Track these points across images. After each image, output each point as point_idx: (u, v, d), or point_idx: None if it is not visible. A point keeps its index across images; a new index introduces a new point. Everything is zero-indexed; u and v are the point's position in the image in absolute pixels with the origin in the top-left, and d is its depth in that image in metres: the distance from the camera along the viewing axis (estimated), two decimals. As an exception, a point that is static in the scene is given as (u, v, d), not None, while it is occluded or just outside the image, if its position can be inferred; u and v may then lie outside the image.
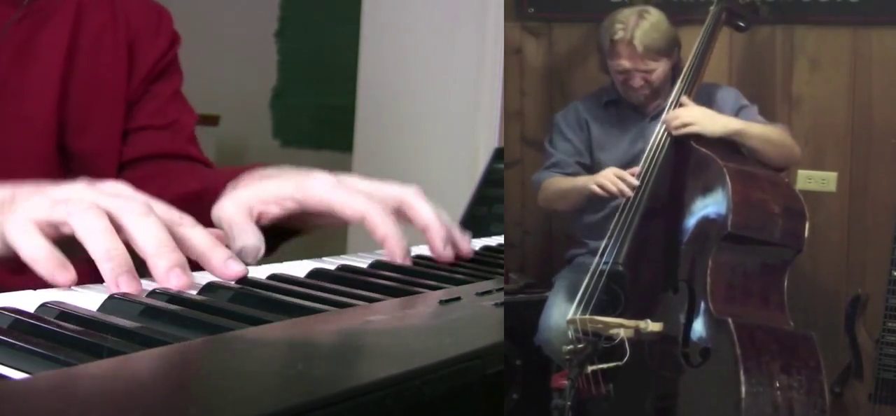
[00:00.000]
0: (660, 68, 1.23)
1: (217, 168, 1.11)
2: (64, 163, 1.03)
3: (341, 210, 0.78)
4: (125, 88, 1.07)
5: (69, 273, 0.59)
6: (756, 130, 1.18)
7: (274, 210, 0.80)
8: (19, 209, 0.63)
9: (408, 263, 0.77)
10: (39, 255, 0.60)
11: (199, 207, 0.87)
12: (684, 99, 1.17)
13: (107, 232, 0.60)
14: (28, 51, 0.99)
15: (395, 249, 0.76)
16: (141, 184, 1.07)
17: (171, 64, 1.14)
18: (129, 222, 0.61)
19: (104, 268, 0.58)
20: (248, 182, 0.83)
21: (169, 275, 0.60)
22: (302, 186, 0.80)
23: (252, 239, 0.74)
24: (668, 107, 1.18)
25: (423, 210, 0.81)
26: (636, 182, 1.14)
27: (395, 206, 0.81)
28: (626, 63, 1.23)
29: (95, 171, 1.03)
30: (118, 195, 0.65)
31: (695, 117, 1.15)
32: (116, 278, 0.58)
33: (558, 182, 1.31)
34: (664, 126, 1.16)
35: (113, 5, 1.08)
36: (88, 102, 1.03)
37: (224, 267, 0.63)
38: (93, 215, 0.60)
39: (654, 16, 1.23)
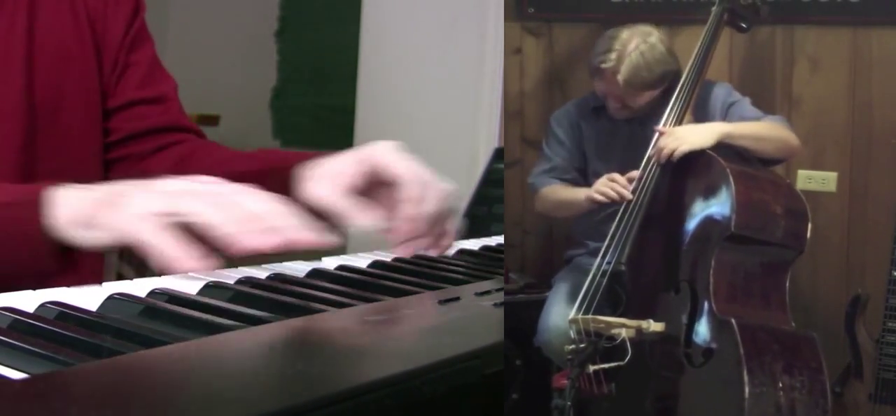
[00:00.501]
0: (643, 98, 1.22)
1: (243, 152, 1.13)
2: (33, 146, 1.02)
3: (399, 171, 0.85)
4: (96, 68, 1.07)
5: (192, 257, 0.66)
6: (746, 129, 1.17)
7: (350, 180, 0.86)
8: (133, 205, 0.69)
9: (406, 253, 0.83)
10: (163, 244, 0.66)
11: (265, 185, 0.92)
12: (662, 128, 1.16)
13: (217, 208, 0.68)
14: None
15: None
16: (150, 160, 1.10)
17: (141, 32, 1.13)
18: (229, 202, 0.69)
19: (224, 232, 0.66)
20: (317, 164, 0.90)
21: (258, 236, 0.66)
22: (372, 150, 0.88)
23: (370, 218, 0.81)
24: (669, 115, 1.17)
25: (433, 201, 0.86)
26: (629, 194, 1.14)
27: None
28: (603, 87, 1.23)
29: (73, 149, 1.05)
30: (214, 183, 0.72)
31: (681, 137, 1.14)
32: (238, 234, 0.65)
33: (558, 192, 1.30)
34: (654, 160, 1.15)
35: None
36: (57, 82, 1.02)
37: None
38: (203, 201, 0.68)
39: (649, 45, 1.21)
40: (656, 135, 1.16)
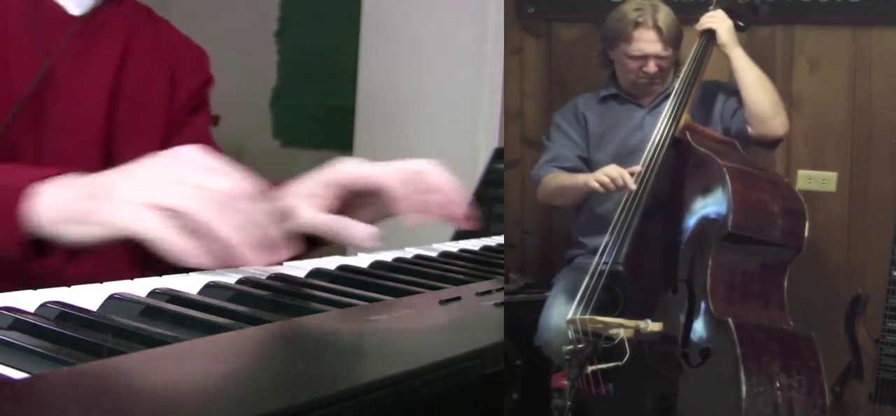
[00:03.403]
0: (670, 56, 1.25)
1: None
2: (111, 164, 1.11)
3: (387, 181, 0.86)
4: (167, 109, 1.17)
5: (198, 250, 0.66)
6: (754, 71, 1.20)
7: (323, 202, 0.88)
8: (122, 196, 0.68)
9: (469, 222, 0.86)
10: (172, 237, 0.65)
11: None
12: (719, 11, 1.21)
13: (214, 209, 0.66)
14: (82, 62, 1.07)
15: (454, 200, 0.86)
16: None
17: (205, 102, 1.25)
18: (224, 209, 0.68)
19: (227, 239, 0.65)
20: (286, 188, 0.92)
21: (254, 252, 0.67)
22: (337, 169, 0.88)
23: (364, 232, 0.81)
24: (668, 114, 1.18)
25: (443, 177, 0.89)
26: (632, 183, 1.14)
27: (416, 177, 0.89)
28: (646, 47, 1.24)
29: None
30: (224, 173, 0.70)
31: (719, 19, 1.20)
32: (245, 250, 0.66)
33: (558, 178, 1.31)
34: (703, 39, 1.19)
35: (158, 34, 1.18)
36: (133, 117, 1.12)
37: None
38: (195, 196, 0.67)
39: (665, 8, 1.25)
40: (668, 114, 1.18)
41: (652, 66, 1.25)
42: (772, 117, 1.20)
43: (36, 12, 1.03)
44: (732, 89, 1.26)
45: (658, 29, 1.23)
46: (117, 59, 1.10)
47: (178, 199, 0.66)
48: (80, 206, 0.70)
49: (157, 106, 1.15)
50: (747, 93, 1.18)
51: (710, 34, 1.21)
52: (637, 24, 1.24)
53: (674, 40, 1.25)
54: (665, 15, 1.24)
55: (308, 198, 0.87)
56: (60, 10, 1.06)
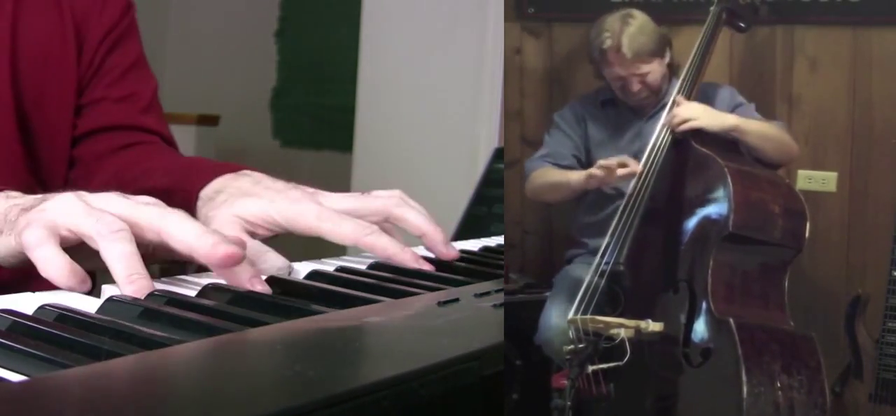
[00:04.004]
0: (654, 69, 1.24)
1: (182, 158, 1.10)
2: (25, 140, 1.04)
3: (332, 239, 0.78)
4: (75, 66, 1.07)
5: (86, 285, 0.60)
6: (754, 126, 1.18)
7: (262, 232, 0.81)
8: (47, 211, 0.63)
9: (424, 266, 0.77)
10: (58, 272, 0.60)
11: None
12: (679, 98, 1.17)
13: (131, 257, 0.60)
14: None
15: (402, 258, 0.76)
16: (99, 163, 1.08)
17: (126, 34, 1.13)
18: (165, 227, 0.63)
19: (126, 291, 0.59)
20: (226, 197, 0.84)
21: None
22: (287, 215, 0.80)
23: (279, 262, 0.73)
24: (668, 107, 1.18)
25: (412, 216, 0.82)
26: (637, 165, 1.14)
27: (382, 219, 0.81)
28: (619, 70, 1.23)
29: (53, 148, 1.06)
30: (154, 205, 0.65)
31: (694, 113, 1.16)
32: (137, 291, 0.59)
33: (549, 173, 1.30)
34: (666, 128, 1.16)
35: None
36: (39, 81, 1.04)
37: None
38: (120, 239, 0.61)
39: (639, 19, 1.23)
40: (671, 103, 1.17)
41: (634, 85, 1.24)
42: (779, 156, 1.21)
43: None
44: (735, 101, 1.26)
45: (624, 53, 1.21)
46: (9, 23, 1.01)
47: (92, 231, 0.61)
48: (10, 217, 0.66)
49: (65, 66, 1.06)
50: (755, 151, 1.17)
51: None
52: (603, 52, 1.23)
53: (651, 54, 1.23)
54: (632, 36, 1.21)
55: (246, 220, 0.80)
56: None
